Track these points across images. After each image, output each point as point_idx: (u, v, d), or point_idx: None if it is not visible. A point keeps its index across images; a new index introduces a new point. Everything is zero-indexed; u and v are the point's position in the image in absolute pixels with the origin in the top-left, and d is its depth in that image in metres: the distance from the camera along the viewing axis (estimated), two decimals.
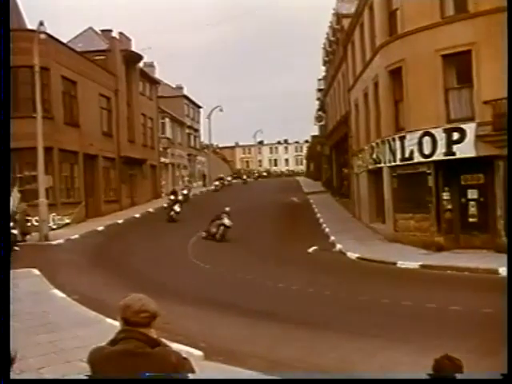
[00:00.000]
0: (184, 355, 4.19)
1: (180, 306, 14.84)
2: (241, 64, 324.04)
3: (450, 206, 24.12)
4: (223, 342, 11.92)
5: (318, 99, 73.41)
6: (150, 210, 43.61)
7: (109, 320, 11.67)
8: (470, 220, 23.90)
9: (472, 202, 23.83)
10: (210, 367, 9.67)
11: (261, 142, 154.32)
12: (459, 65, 23.72)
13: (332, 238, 28.53)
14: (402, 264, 21.31)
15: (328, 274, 20.98)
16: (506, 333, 6.63)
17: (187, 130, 76.16)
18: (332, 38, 50.29)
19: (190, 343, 10.90)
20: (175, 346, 8.16)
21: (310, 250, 25.53)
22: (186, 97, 78.20)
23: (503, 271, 18.69)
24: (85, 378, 3.98)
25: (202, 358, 10.27)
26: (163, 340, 4.19)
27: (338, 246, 25.99)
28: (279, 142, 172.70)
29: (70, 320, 13.09)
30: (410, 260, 21.57)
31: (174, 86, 76.21)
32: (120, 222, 36.92)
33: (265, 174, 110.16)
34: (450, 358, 4.59)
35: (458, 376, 4.55)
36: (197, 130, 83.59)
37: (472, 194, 23.76)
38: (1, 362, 5.62)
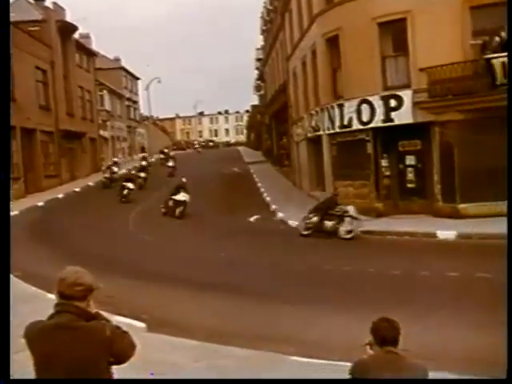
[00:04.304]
0: (125, 328, 4.22)
1: (122, 279, 14.85)
2: (181, 36, 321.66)
3: (388, 173, 24.49)
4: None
5: (257, 69, 73.17)
6: (90, 183, 43.09)
7: (50, 295, 11.56)
8: (408, 186, 24.30)
9: (410, 168, 24.24)
10: (153, 339, 9.72)
11: (201, 113, 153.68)
12: (395, 33, 23.93)
13: (273, 206, 28.66)
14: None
15: (269, 243, 21.04)
16: (506, 333, 6.82)
17: (126, 102, 75.12)
18: (270, 7, 50.14)
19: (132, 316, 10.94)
20: (117, 319, 8.20)
21: (252, 219, 25.64)
22: (123, 68, 76.98)
23: (441, 234, 19.35)
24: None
25: (144, 329, 10.31)
26: (102, 313, 4.20)
27: (280, 215, 26.13)
28: (220, 113, 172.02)
29: (12, 297, 12.92)
30: None
31: (111, 58, 74.88)
32: (60, 196, 36.39)
33: (204, 143, 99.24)
34: (388, 320, 4.73)
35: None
36: (136, 102, 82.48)
37: (410, 160, 24.16)
38: (1, 362, 5.58)
